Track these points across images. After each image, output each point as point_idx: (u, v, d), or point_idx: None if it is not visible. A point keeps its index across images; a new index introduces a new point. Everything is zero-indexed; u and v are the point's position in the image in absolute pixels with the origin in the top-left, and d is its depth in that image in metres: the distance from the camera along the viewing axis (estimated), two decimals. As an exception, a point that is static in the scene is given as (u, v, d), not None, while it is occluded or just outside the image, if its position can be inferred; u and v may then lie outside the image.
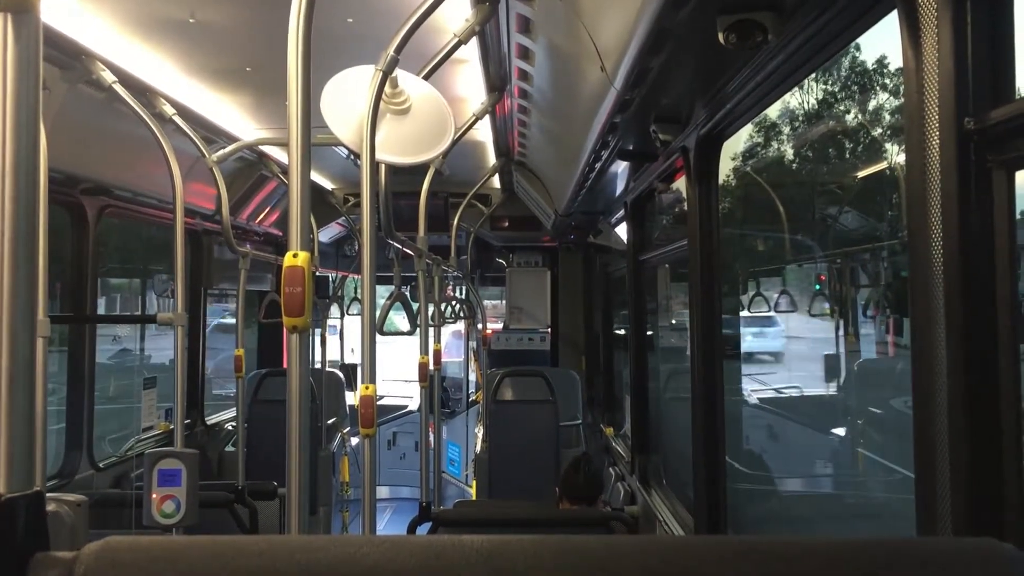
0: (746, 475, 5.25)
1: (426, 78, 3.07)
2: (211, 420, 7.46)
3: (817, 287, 7.12)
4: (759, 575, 0.99)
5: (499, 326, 10.44)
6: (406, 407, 11.71)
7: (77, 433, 5.19)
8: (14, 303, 1.05)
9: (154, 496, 3.65)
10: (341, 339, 10.28)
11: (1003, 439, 1.55)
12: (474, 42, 3.30)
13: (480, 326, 9.49)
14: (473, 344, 11.01)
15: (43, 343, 3.23)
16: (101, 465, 5.37)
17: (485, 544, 1.00)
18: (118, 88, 3.78)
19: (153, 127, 3.93)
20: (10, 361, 1.04)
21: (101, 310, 6.51)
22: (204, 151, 4.51)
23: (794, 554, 1.01)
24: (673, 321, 6.34)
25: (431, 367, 5.06)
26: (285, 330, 1.91)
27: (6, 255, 1.04)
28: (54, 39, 3.43)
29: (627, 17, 2.37)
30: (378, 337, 3.12)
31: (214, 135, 5.19)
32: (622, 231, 6.32)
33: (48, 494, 1.11)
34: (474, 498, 7.87)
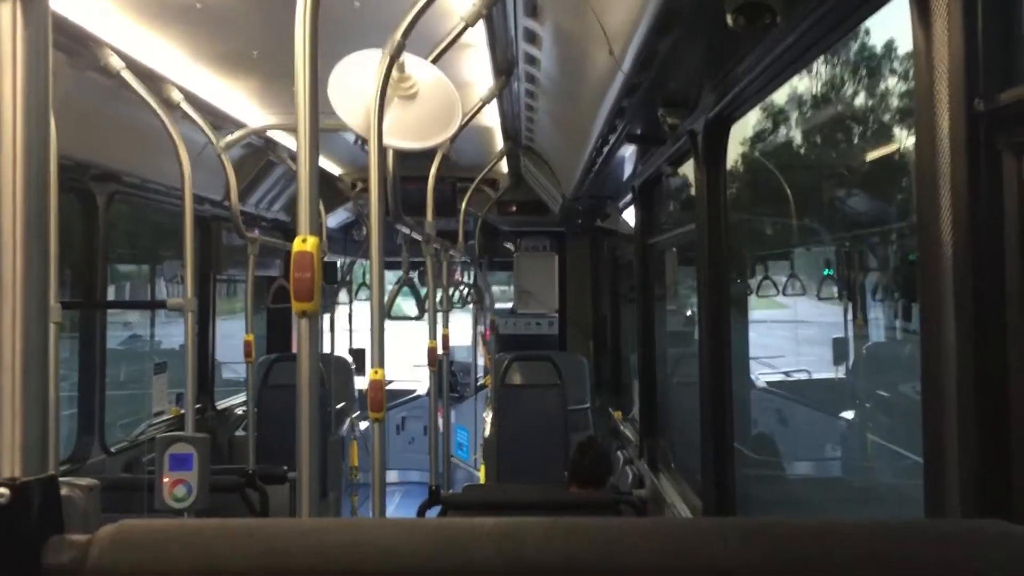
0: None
1: (433, 62, 3.07)
2: (221, 405, 7.49)
3: (827, 272, 7.10)
4: (767, 557, 0.99)
5: (507, 305, 10.44)
6: (415, 392, 11.74)
7: (89, 418, 5.23)
8: (26, 289, 1.05)
9: (166, 480, 3.67)
10: (350, 324, 10.30)
11: (1012, 422, 1.55)
12: (481, 26, 3.29)
13: (488, 311, 9.50)
14: (481, 328, 11.03)
15: (54, 329, 3.25)
16: (113, 450, 5.40)
17: (495, 527, 1.01)
18: (126, 75, 3.78)
19: (161, 114, 3.94)
20: (23, 347, 1.04)
21: (111, 297, 6.54)
22: (212, 137, 4.52)
23: (802, 536, 1.02)
24: (686, 309, 6.33)
25: (439, 351, 5.08)
26: (294, 315, 1.92)
27: (18, 242, 1.05)
28: (62, 25, 3.43)
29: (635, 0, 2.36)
30: (387, 322, 3.12)
31: (222, 121, 5.19)
32: (630, 215, 6.31)
33: (61, 478, 1.12)
34: (483, 482, 7.90)
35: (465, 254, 8.02)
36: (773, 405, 7.14)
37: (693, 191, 3.76)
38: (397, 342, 10.18)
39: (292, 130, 1.95)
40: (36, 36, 1.07)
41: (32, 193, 1.06)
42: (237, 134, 4.88)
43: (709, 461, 3.59)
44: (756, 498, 4.54)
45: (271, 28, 3.70)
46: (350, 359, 8.89)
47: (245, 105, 5.27)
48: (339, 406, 7.79)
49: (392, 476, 11.13)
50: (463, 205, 6.75)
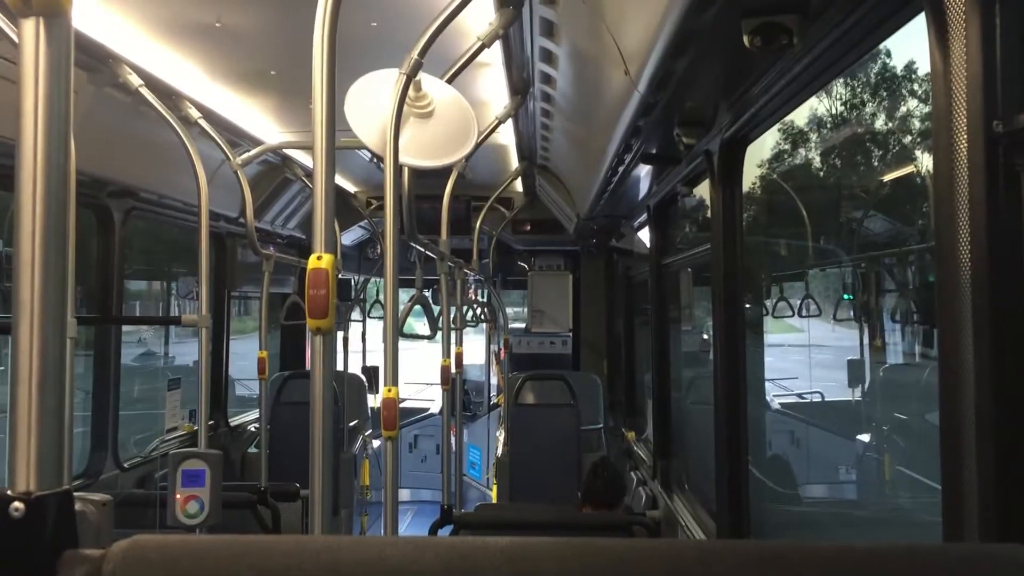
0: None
1: (449, 81, 3.08)
2: (234, 421, 7.50)
3: (846, 296, 7.06)
4: None
5: (521, 325, 10.44)
6: (427, 410, 11.72)
7: (102, 434, 5.24)
8: (44, 304, 1.06)
9: (178, 496, 3.67)
10: (363, 341, 10.31)
11: (1032, 446, 1.53)
12: (497, 45, 3.30)
13: (502, 330, 9.49)
14: (494, 347, 11.03)
15: (70, 344, 3.27)
16: (126, 465, 5.41)
17: (508, 546, 1.00)
18: (144, 91, 3.82)
19: (179, 130, 3.97)
20: (40, 362, 1.05)
21: (126, 313, 6.56)
22: (229, 154, 4.55)
23: (816, 560, 1.01)
24: (701, 330, 6.31)
25: (453, 370, 5.07)
26: (308, 332, 1.92)
27: (37, 257, 1.05)
28: (82, 43, 3.46)
29: (651, 20, 2.37)
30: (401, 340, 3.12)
31: (239, 138, 5.23)
32: (644, 235, 6.31)
33: (75, 493, 1.12)
34: (495, 501, 7.87)
35: (479, 273, 8.02)
36: (785, 427, 7.09)
37: (709, 211, 3.76)
38: (411, 360, 10.19)
39: (308, 148, 1.96)
40: (59, 52, 1.08)
41: (51, 208, 1.07)
42: (254, 151, 4.91)
43: (723, 483, 3.56)
44: (768, 521, 4.50)
45: (289, 47, 3.73)
46: (363, 377, 8.90)
47: (262, 122, 5.31)
48: (351, 424, 7.79)
49: (404, 495, 11.10)
50: (477, 224, 6.76)
